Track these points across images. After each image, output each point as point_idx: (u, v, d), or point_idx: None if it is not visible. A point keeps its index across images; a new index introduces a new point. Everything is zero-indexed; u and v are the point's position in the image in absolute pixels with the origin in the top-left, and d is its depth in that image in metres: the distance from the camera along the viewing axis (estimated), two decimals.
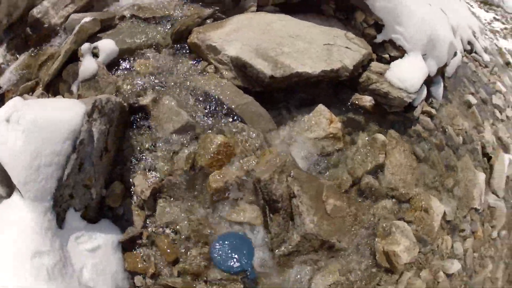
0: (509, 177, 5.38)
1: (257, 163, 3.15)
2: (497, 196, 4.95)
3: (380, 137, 3.80)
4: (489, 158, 5.11)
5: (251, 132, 3.19)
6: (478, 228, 4.37)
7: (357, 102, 4.03)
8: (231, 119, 3.20)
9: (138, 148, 2.98)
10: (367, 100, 4.00)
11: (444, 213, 3.94)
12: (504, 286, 4.96)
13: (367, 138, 3.81)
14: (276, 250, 3.05)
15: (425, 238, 3.74)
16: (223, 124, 3.17)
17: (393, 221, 3.59)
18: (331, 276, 3.24)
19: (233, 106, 3.18)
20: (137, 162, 2.95)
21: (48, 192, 2.16)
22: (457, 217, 4.16)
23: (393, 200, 3.70)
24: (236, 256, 2.75)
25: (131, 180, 2.87)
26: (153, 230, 2.80)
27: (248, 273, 2.73)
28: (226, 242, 2.80)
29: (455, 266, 3.92)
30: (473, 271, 4.25)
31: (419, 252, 3.66)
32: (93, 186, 2.54)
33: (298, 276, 3.12)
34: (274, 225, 3.09)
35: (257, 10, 4.05)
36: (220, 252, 2.76)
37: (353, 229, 3.40)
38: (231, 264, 2.72)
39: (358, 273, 3.35)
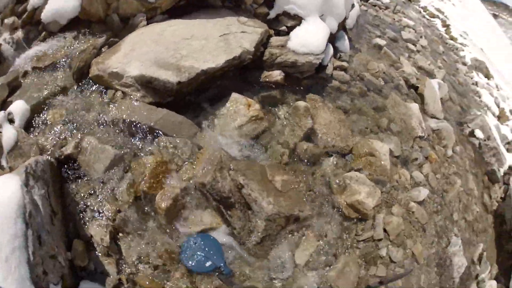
0: (443, 99, 6.11)
1: (194, 169, 3.46)
2: (438, 118, 5.62)
3: (301, 104, 4.29)
4: (416, 88, 5.78)
5: (178, 142, 3.47)
6: (429, 152, 4.96)
7: (268, 80, 4.48)
8: (154, 137, 3.46)
9: (80, 199, 3.09)
10: (276, 75, 4.49)
11: (390, 150, 4.45)
12: (483, 192, 5.57)
13: (288, 110, 4.30)
14: (247, 242, 3.31)
15: (382, 178, 4.24)
16: (149, 144, 3.43)
17: (344, 175, 4.05)
18: (310, 245, 3.65)
19: (152, 124, 3.42)
20: (84, 213, 3.05)
21: (26, 278, 2.16)
22: (404, 150, 4.74)
23: (336, 156, 4.19)
24: (204, 255, 2.98)
25: (87, 233, 2.96)
26: (129, 271, 2.92)
27: (222, 269, 2.96)
28: (191, 246, 3.03)
29: (422, 193, 4.45)
30: (442, 191, 4.80)
31: (381, 193, 4.15)
32: (58, 254, 2.56)
33: (279, 259, 3.48)
34: (235, 220, 3.39)
35: (147, 23, 4.36)
36: (189, 257, 2.98)
37: (309, 195, 3.84)
38: (203, 264, 2.95)
39: (334, 233, 3.80)
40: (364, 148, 4.31)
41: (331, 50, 4.87)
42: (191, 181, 3.35)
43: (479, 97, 7.62)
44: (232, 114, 3.90)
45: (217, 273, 2.98)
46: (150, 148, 3.47)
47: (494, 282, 4.76)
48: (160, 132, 3.53)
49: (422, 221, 4.34)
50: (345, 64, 5.11)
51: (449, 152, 5.27)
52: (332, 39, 5.08)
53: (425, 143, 5.06)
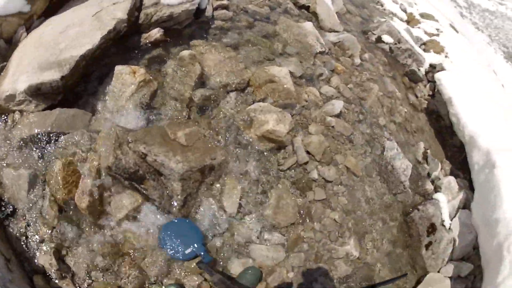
0: (340, 12, 6.32)
1: (98, 156, 3.47)
2: (337, 31, 5.81)
3: (185, 53, 4.37)
4: (308, 8, 5.94)
5: (75, 136, 3.52)
6: (334, 65, 5.14)
7: (148, 41, 4.53)
8: (55, 140, 3.52)
9: (21, 234, 3.17)
10: (155, 33, 4.52)
11: (291, 72, 4.56)
12: (407, 93, 5.84)
13: (175, 63, 4.34)
14: (172, 209, 3.40)
15: (289, 102, 4.36)
16: (53, 150, 3.50)
17: (247, 108, 4.10)
18: (235, 190, 3.76)
19: (49, 129, 3.48)
20: (26, 243, 3.14)
21: None
22: (306, 68, 4.90)
23: (234, 93, 4.23)
24: (184, 242, 3.10)
25: (38, 263, 3.05)
26: (86, 285, 3.04)
27: (203, 257, 3.07)
28: (169, 231, 3.16)
29: (337, 105, 4.60)
30: (359, 99, 4.99)
31: (292, 116, 4.24)
32: None
33: (210, 214, 3.57)
34: (151, 191, 3.43)
35: (28, 34, 4.34)
36: (168, 243, 3.10)
37: (217, 140, 3.92)
38: (183, 251, 3.08)
39: (254, 170, 3.92)
40: (261, 77, 4.39)
41: None
42: (100, 170, 3.40)
43: (382, 5, 7.95)
44: (120, 87, 3.92)
45: (197, 261, 3.09)
46: (54, 153, 3.51)
47: (451, 178, 5.03)
48: (59, 134, 3.58)
49: (346, 133, 4.49)
50: (225, 1, 5.16)
51: (357, 61, 5.48)
52: None
53: (328, 57, 5.23)
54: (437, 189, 5.08)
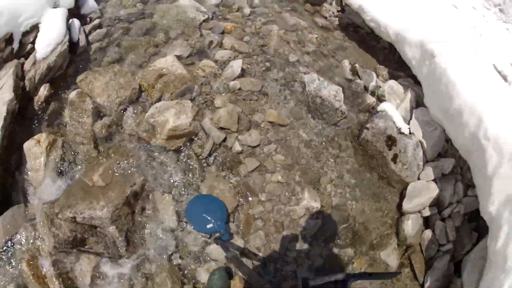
0: None
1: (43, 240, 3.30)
2: None
3: (72, 94, 4.00)
4: None
5: (22, 233, 3.40)
6: (223, 25, 4.79)
7: (40, 102, 4.05)
8: (12, 246, 3.37)
9: None
10: (42, 91, 4.04)
11: (178, 57, 4.30)
12: (313, 18, 5.37)
13: (68, 109, 4.02)
14: (122, 253, 3.28)
15: (185, 87, 4.10)
16: (16, 255, 3.33)
17: (145, 117, 3.85)
18: (167, 203, 3.51)
19: (4, 240, 3.40)
20: None
21: None
22: (194, 44, 4.60)
23: (130, 107, 4.06)
24: (208, 217, 3.15)
25: None
26: None
27: (221, 234, 3.11)
28: (197, 205, 3.24)
29: (236, 66, 4.31)
30: (259, 47, 4.66)
31: (192, 100, 4.04)
32: None
33: (156, 237, 3.37)
34: (96, 246, 3.29)
35: None
36: (193, 216, 3.20)
37: (130, 164, 3.65)
38: (204, 225, 3.14)
39: (177, 173, 3.67)
40: (149, 76, 4.10)
41: (75, 24, 4.50)
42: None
43: None
44: (34, 162, 3.62)
45: (216, 237, 3.14)
46: (18, 257, 3.29)
47: (392, 81, 4.68)
48: (11, 238, 3.38)
49: (256, 88, 4.16)
50: (97, 21, 4.77)
51: (247, 11, 5.07)
52: (76, 10, 4.79)
53: (214, 22, 4.85)
54: (380, 98, 4.71)
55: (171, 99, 3.94)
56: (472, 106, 3.54)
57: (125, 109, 3.98)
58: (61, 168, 3.62)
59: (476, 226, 4.01)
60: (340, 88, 4.37)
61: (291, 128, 4.03)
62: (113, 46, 4.64)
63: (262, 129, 3.92)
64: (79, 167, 3.66)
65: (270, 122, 3.97)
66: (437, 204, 4.15)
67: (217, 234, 3.19)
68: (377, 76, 4.93)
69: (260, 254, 3.41)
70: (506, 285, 2.69)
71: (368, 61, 5.23)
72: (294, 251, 3.48)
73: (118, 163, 3.58)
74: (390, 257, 3.86)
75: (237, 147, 3.77)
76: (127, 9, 5.16)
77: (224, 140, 3.79)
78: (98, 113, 3.97)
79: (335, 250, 3.68)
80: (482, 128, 3.42)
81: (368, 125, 4.26)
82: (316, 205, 3.69)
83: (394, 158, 4.17)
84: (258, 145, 3.83)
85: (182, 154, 3.71)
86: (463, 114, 3.58)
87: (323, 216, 3.74)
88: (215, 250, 3.32)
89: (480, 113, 3.43)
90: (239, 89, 4.10)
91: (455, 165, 4.22)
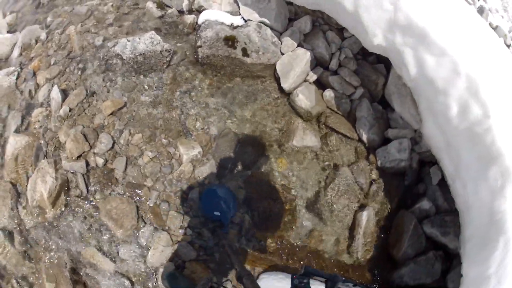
0: None
1: None
2: None
3: None
4: None
5: None
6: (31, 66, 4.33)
7: None
8: None
9: None
10: None
11: None
12: None
13: None
14: None
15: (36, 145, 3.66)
16: None
17: None
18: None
19: None
20: None
21: None
22: None
23: None
24: (218, 205, 3.18)
25: None
26: None
27: (223, 226, 3.12)
28: (213, 192, 3.25)
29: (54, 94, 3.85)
30: (66, 57, 4.25)
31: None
32: None
33: None
34: None
35: None
36: (206, 199, 3.22)
37: None
38: (212, 211, 3.16)
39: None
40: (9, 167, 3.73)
41: None
42: None
43: None
44: None
45: (218, 225, 3.14)
46: None
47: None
48: None
49: (81, 96, 3.90)
50: None
51: (43, 36, 4.60)
52: None
53: (24, 71, 4.42)
54: (200, 10, 4.32)
55: (33, 171, 3.63)
56: None
57: None
58: None
59: (377, 58, 3.77)
60: (153, 32, 4.00)
61: (131, 103, 3.72)
62: None
63: (107, 126, 3.61)
64: None
65: (111, 114, 3.66)
66: (319, 63, 3.92)
67: (221, 225, 3.17)
68: None
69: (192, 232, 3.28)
70: None
71: None
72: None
73: None
74: (306, 138, 3.65)
75: (100, 161, 3.49)
76: None
77: (88, 164, 3.51)
78: None
79: (248, 172, 3.50)
80: None
81: (198, 43, 3.89)
82: (195, 151, 3.46)
83: (245, 52, 3.84)
84: (114, 142, 3.56)
85: (68, 208, 3.45)
86: None
87: (211, 157, 3.52)
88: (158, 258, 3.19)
89: None
90: (70, 109, 3.77)
91: (313, 19, 3.94)
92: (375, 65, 3.88)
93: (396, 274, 3.30)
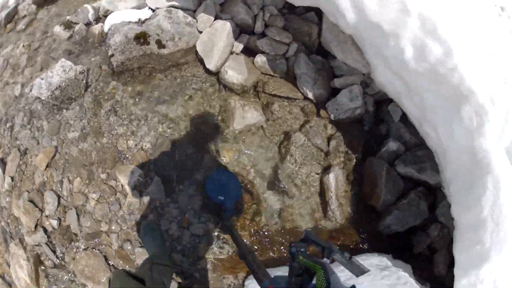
0: None
1: None
2: None
3: None
4: None
5: None
6: None
7: None
8: None
9: None
10: None
11: None
12: None
13: None
14: None
15: None
16: None
17: None
18: None
19: None
20: None
21: None
22: None
23: None
24: (222, 190, 3.04)
25: None
26: None
27: (226, 209, 2.96)
28: (219, 176, 3.11)
29: None
30: None
31: None
32: None
33: None
34: None
35: None
36: (211, 183, 3.09)
37: None
38: (216, 195, 3.02)
39: None
40: None
41: None
42: None
43: None
44: None
45: (220, 208, 2.98)
46: None
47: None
48: None
49: None
50: None
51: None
52: None
53: None
54: (107, 14, 3.91)
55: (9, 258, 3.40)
56: None
57: None
58: None
59: (305, 7, 3.40)
60: (62, 59, 3.54)
61: (61, 146, 3.40)
62: None
63: (48, 182, 3.30)
64: None
65: (46, 166, 3.37)
66: (243, 30, 3.55)
67: (224, 209, 2.98)
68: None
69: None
70: None
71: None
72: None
73: None
74: (247, 116, 3.31)
75: (54, 222, 3.20)
76: None
77: (45, 230, 3.28)
78: None
79: (197, 176, 3.19)
80: None
81: (109, 52, 3.53)
82: (136, 176, 3.14)
83: (160, 44, 3.48)
84: (58, 197, 3.27)
85: (50, 281, 3.21)
86: None
87: (154, 171, 3.20)
88: None
89: None
90: (12, 178, 3.52)
91: None
92: (304, 15, 3.43)
93: (382, 225, 3.07)
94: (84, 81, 3.52)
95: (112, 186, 3.17)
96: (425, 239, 2.99)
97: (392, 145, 3.13)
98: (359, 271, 1.43)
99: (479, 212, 2.23)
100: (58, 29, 3.94)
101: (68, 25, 4.00)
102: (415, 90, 2.70)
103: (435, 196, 3.06)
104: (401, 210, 2.99)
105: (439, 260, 2.91)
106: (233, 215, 3.01)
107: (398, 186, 3.08)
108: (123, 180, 3.11)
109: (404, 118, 3.14)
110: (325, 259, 1.49)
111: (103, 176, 3.20)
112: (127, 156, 3.23)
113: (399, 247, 3.03)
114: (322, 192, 3.15)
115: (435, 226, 2.97)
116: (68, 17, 4.01)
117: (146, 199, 3.08)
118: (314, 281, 1.34)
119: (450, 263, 2.77)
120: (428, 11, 2.32)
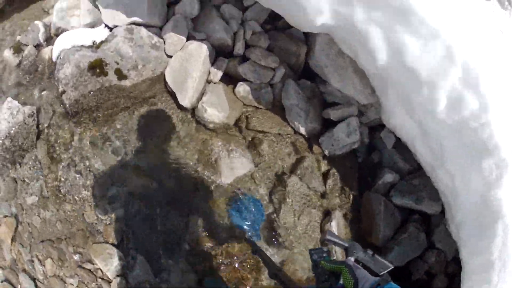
0: None
1: None
2: None
3: None
4: None
5: None
6: None
7: None
8: None
9: None
10: None
11: None
12: None
13: None
14: None
15: None
16: None
17: None
18: None
19: None
20: None
21: None
22: None
23: None
24: (246, 215, 2.79)
25: None
26: None
27: (253, 236, 2.75)
28: (243, 202, 2.83)
29: None
30: None
31: None
32: None
33: None
34: None
35: None
36: (236, 209, 2.81)
37: None
38: (242, 222, 2.77)
39: None
40: None
41: None
42: None
43: None
44: None
45: (248, 236, 2.74)
46: None
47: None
48: None
49: None
50: None
51: None
52: None
53: None
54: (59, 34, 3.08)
55: None
56: None
57: None
58: None
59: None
60: (8, 98, 2.97)
61: (21, 215, 2.80)
62: None
63: (19, 260, 2.78)
64: None
65: (12, 241, 2.79)
66: (221, 52, 2.96)
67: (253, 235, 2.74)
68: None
69: None
70: None
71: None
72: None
73: None
74: (236, 167, 2.86)
75: None
76: None
77: None
78: None
79: (186, 245, 2.67)
80: None
81: (60, 88, 2.84)
82: (115, 259, 2.58)
83: (120, 74, 2.83)
84: (34, 280, 2.71)
85: None
86: None
87: (135, 249, 2.62)
88: None
89: None
90: None
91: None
92: (288, 30, 2.93)
93: None
94: (35, 126, 2.84)
95: (90, 270, 2.57)
96: (423, 266, 2.94)
97: (388, 177, 2.96)
98: (383, 267, 1.39)
99: (489, 256, 2.25)
100: (7, 53, 3.22)
101: (18, 49, 3.21)
102: (434, 136, 2.51)
103: (429, 221, 3.00)
104: (402, 246, 2.87)
105: (438, 285, 2.90)
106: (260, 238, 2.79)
107: (396, 219, 2.95)
108: (101, 264, 2.52)
109: (397, 144, 2.97)
110: (348, 258, 1.46)
111: (76, 257, 2.60)
112: (97, 229, 2.60)
113: (397, 277, 2.75)
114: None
115: (431, 252, 2.92)
116: (18, 37, 3.28)
117: (134, 283, 2.52)
118: (341, 281, 1.32)
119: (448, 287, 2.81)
120: (473, 61, 2.12)
